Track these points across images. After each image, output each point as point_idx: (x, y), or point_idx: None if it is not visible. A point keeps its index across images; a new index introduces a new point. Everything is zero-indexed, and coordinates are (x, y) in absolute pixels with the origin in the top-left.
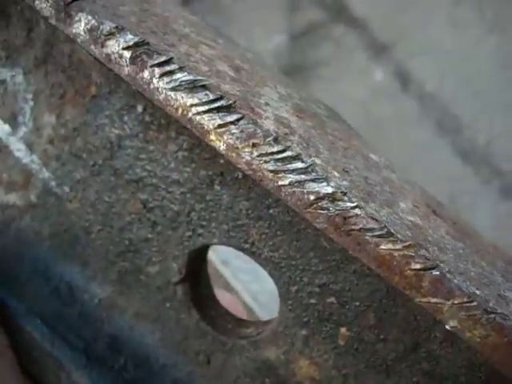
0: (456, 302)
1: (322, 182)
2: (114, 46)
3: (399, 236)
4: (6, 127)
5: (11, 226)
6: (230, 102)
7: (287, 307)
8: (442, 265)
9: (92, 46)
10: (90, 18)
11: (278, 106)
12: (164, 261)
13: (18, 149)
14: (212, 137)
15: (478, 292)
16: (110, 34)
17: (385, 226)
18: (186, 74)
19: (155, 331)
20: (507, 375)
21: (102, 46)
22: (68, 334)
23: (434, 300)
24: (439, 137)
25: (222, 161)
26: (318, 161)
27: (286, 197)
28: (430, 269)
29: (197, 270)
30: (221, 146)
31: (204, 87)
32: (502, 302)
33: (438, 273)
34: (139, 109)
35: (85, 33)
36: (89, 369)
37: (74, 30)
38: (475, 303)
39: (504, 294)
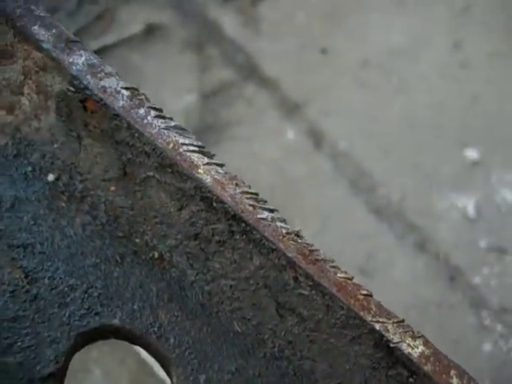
0: (395, 321)
1: (286, 224)
2: (113, 83)
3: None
4: None
5: None
6: (213, 154)
7: None
8: None
9: (88, 76)
10: (92, 58)
11: None
12: (35, 347)
13: None
14: (200, 170)
15: None
16: (111, 75)
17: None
18: (177, 123)
19: None
20: (439, 381)
21: (100, 80)
22: None
23: (381, 319)
24: (353, 195)
25: (137, 240)
26: None
27: (264, 228)
28: (371, 295)
29: (68, 364)
30: (207, 179)
31: (191, 138)
32: None
33: (376, 299)
34: (50, 177)
35: (83, 65)
36: None
37: (70, 60)
38: (406, 322)
39: None
